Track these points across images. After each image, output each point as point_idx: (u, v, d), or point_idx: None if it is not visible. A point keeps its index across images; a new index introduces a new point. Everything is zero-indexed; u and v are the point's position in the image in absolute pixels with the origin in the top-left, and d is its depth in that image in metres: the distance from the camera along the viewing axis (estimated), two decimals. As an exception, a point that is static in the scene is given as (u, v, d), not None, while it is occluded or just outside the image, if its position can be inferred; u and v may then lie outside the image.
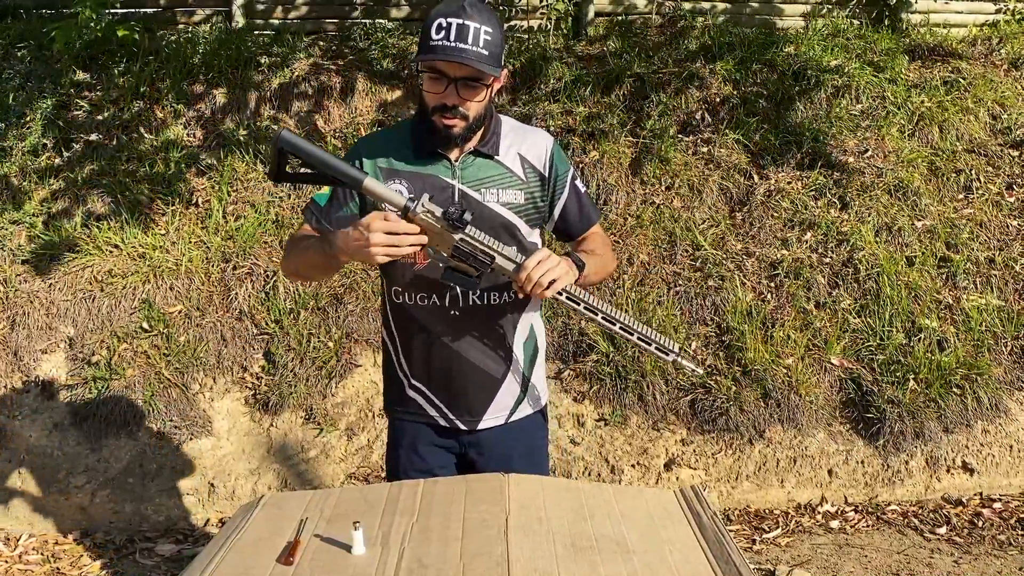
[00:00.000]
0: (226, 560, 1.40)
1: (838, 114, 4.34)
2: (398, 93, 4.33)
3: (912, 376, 3.54)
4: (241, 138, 4.02)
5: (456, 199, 1.74)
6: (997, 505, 3.44)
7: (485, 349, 1.82)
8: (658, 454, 3.45)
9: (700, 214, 3.96)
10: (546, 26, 4.72)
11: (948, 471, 3.50)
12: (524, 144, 1.83)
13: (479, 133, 1.76)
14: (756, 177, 4.08)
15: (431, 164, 1.76)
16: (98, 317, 3.48)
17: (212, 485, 3.32)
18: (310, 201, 1.83)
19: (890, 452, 3.46)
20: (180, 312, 3.54)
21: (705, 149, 4.18)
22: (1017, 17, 5.17)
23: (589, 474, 3.41)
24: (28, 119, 3.96)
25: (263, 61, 4.29)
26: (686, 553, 1.41)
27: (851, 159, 4.16)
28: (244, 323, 3.55)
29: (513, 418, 1.89)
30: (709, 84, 4.42)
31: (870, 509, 3.42)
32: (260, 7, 4.70)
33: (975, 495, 3.50)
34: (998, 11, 5.22)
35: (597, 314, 1.68)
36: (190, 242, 3.70)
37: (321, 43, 4.62)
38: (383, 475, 3.23)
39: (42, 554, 3.11)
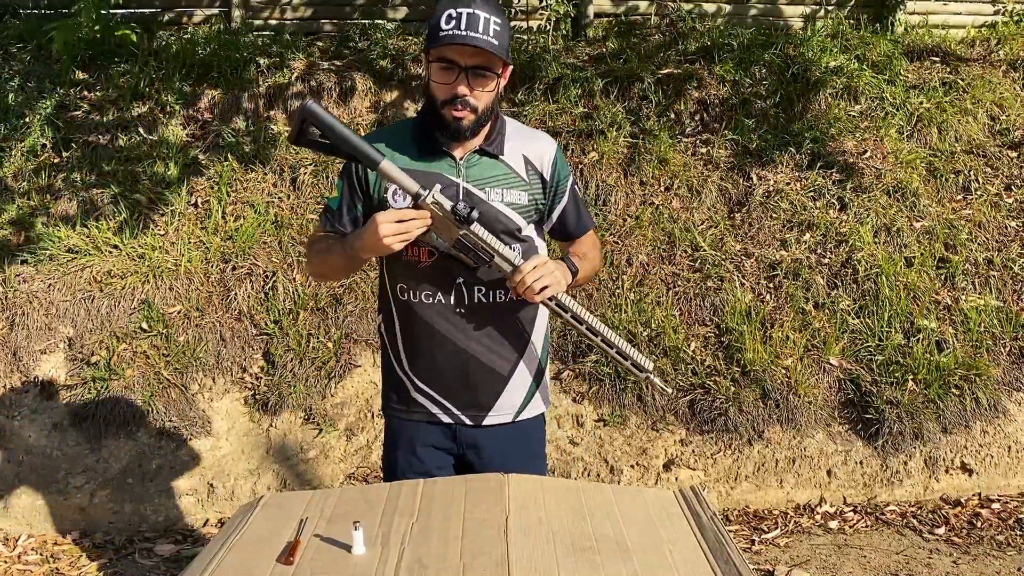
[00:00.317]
0: (226, 560, 1.40)
1: (837, 115, 4.35)
2: (396, 94, 4.33)
3: (911, 377, 3.54)
4: (240, 139, 4.02)
5: (461, 197, 1.75)
6: (996, 505, 3.45)
7: (491, 346, 1.83)
8: (657, 454, 3.46)
9: (699, 215, 3.96)
10: (545, 27, 4.73)
11: (947, 471, 3.51)
12: (528, 146, 1.84)
13: (484, 131, 1.77)
14: (755, 178, 4.09)
15: (435, 162, 1.77)
16: (97, 317, 3.48)
17: (211, 485, 3.32)
18: (324, 206, 1.89)
19: (889, 452, 3.46)
20: (179, 312, 3.54)
21: (704, 150, 4.19)
22: (1015, 18, 5.18)
23: (588, 474, 3.41)
24: (27, 119, 3.96)
25: (262, 62, 4.30)
26: (686, 553, 1.41)
27: (850, 160, 4.17)
28: (243, 323, 3.55)
29: (521, 417, 1.90)
30: (708, 85, 4.43)
31: (869, 509, 3.42)
32: (258, 8, 4.70)
33: (974, 495, 3.51)
34: (996, 12, 5.23)
35: (582, 324, 1.78)
36: (189, 242, 3.70)
37: (319, 44, 4.62)
38: (382, 475, 3.23)
39: (41, 554, 3.11)
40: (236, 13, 4.61)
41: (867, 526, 3.32)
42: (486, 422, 1.87)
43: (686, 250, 3.85)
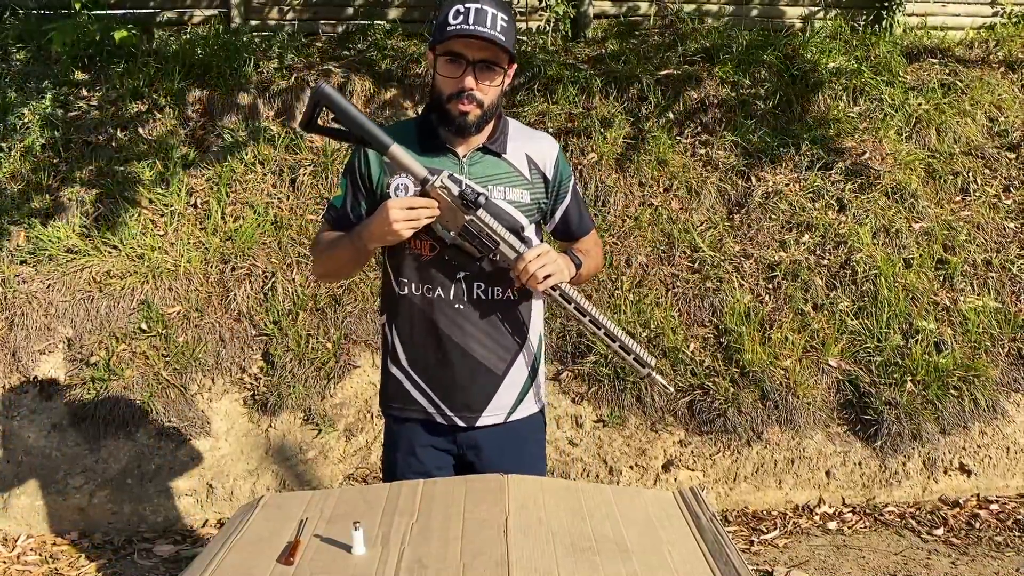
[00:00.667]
0: (227, 560, 1.40)
1: (836, 116, 4.35)
2: (395, 94, 4.33)
3: (909, 378, 3.55)
4: (240, 139, 4.02)
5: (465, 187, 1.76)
6: (994, 506, 3.45)
7: (487, 344, 1.83)
8: (656, 455, 3.46)
9: (698, 216, 3.97)
10: (545, 27, 4.73)
11: (945, 472, 3.51)
12: (531, 145, 1.86)
13: (488, 129, 1.78)
14: (754, 179, 4.09)
15: (439, 159, 1.78)
16: (97, 318, 3.48)
17: (210, 486, 3.32)
18: (328, 204, 1.90)
19: (888, 453, 3.47)
20: (179, 313, 3.54)
21: (703, 151, 4.19)
22: (1014, 20, 5.19)
23: (587, 475, 3.41)
24: (27, 119, 3.96)
25: (261, 62, 4.30)
26: (685, 554, 1.41)
27: (849, 161, 4.18)
28: (243, 324, 3.55)
29: (513, 417, 1.90)
30: (707, 86, 4.43)
31: (868, 510, 3.42)
32: (257, 8, 4.70)
33: (972, 496, 3.51)
34: (995, 14, 5.24)
35: (585, 316, 1.77)
36: (189, 243, 3.70)
37: (319, 44, 4.62)
38: (381, 476, 3.23)
39: (40, 555, 3.11)
40: (235, 13, 4.61)
41: (866, 527, 3.33)
42: (479, 423, 1.87)
43: (685, 251, 3.85)
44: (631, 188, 4.03)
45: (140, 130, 4.00)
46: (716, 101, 4.38)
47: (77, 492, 3.27)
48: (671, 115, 4.32)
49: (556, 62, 4.44)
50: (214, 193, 3.85)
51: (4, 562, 3.05)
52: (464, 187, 1.69)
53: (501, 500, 1.52)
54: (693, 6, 4.95)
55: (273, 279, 3.63)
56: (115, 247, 3.65)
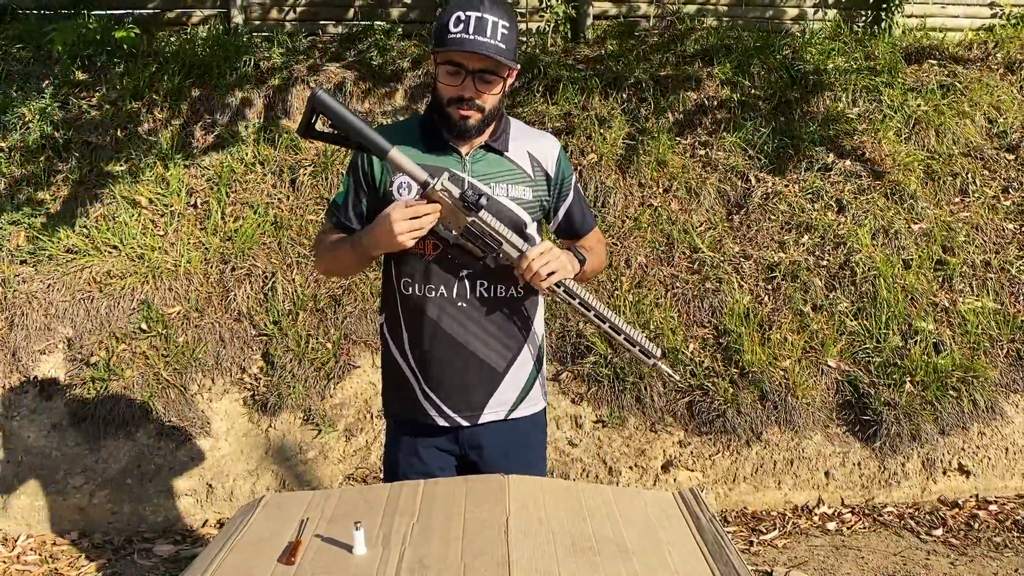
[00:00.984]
0: (227, 560, 1.40)
1: (835, 117, 4.36)
2: (397, 94, 4.34)
3: (908, 378, 3.55)
4: (240, 139, 4.03)
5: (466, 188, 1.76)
6: (993, 507, 3.46)
7: (489, 342, 1.84)
8: (656, 456, 3.46)
9: (698, 216, 3.97)
10: (545, 28, 4.74)
11: (944, 473, 3.52)
12: (533, 144, 1.87)
13: (490, 129, 1.79)
14: (753, 180, 4.10)
15: (442, 156, 1.79)
16: (97, 318, 3.49)
17: (210, 486, 3.33)
18: (331, 203, 1.90)
19: (887, 454, 3.47)
20: (179, 313, 3.54)
21: (703, 152, 4.20)
22: (1012, 21, 5.20)
23: (587, 475, 3.42)
24: (27, 119, 3.96)
25: (262, 63, 4.30)
26: (685, 555, 1.42)
27: (848, 162, 4.18)
28: (243, 324, 3.56)
29: (515, 415, 1.90)
30: (707, 87, 4.44)
31: (867, 511, 3.43)
32: (258, 8, 4.71)
33: (971, 497, 3.52)
34: (994, 15, 5.25)
35: (590, 311, 1.78)
36: (189, 243, 3.70)
37: (319, 44, 4.62)
38: (381, 476, 3.23)
39: (40, 555, 3.11)
40: (236, 13, 4.61)
41: (865, 527, 3.33)
42: (481, 420, 1.88)
43: (685, 252, 3.86)
44: (631, 189, 4.03)
45: (140, 130, 4.00)
46: (716, 102, 4.38)
47: (77, 492, 3.27)
48: (670, 116, 4.32)
49: (556, 63, 4.45)
50: (214, 193, 3.85)
51: (4, 562, 3.05)
52: (466, 188, 1.69)
53: (502, 500, 1.52)
54: (693, 7, 4.95)
55: (273, 279, 3.64)
56: (115, 247, 3.65)
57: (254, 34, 4.58)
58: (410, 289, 1.84)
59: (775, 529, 3.32)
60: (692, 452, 3.46)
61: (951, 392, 3.55)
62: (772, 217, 3.97)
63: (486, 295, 1.82)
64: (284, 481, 3.36)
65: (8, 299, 3.49)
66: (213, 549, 1.47)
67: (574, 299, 1.76)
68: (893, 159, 4.22)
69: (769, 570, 3.00)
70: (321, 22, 4.79)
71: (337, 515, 1.52)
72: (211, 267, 3.66)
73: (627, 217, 3.95)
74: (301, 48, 4.52)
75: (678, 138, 4.25)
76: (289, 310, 3.59)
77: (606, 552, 1.39)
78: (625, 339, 1.80)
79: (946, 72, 4.67)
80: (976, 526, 3.33)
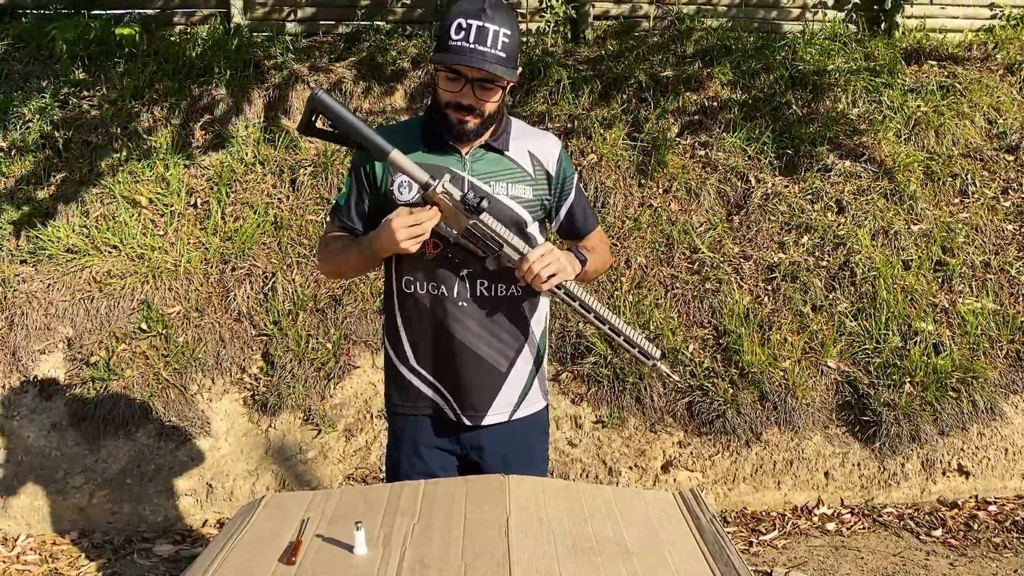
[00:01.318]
0: (228, 560, 1.40)
1: (835, 118, 4.36)
2: (397, 94, 4.34)
3: (908, 379, 3.55)
4: (240, 139, 4.03)
5: (467, 190, 1.77)
6: (992, 508, 3.46)
7: (491, 342, 1.84)
8: (655, 456, 3.46)
9: (698, 217, 3.97)
10: (546, 29, 4.74)
11: (944, 474, 3.52)
12: (533, 143, 1.88)
13: (491, 129, 1.79)
14: (753, 180, 4.10)
15: (442, 156, 1.80)
16: (97, 318, 3.49)
17: (210, 486, 3.33)
18: (333, 205, 1.91)
19: (886, 455, 3.47)
20: (179, 313, 3.54)
21: (703, 152, 4.20)
22: (1012, 22, 5.20)
23: (587, 476, 3.42)
24: (27, 119, 3.96)
25: (262, 62, 4.30)
26: (685, 554, 1.42)
27: (848, 163, 4.18)
28: (243, 324, 3.56)
29: (517, 415, 1.91)
30: (707, 87, 4.44)
31: (866, 511, 3.43)
32: (259, 8, 4.71)
33: (970, 498, 3.52)
34: (993, 16, 5.26)
35: (590, 312, 1.79)
36: (189, 243, 3.70)
37: (320, 44, 4.62)
38: (382, 476, 3.23)
39: (40, 554, 3.11)
40: (236, 13, 4.61)
41: (864, 528, 3.34)
42: (484, 422, 1.88)
43: (684, 252, 3.86)
44: (631, 189, 4.03)
45: (140, 129, 4.00)
46: (716, 103, 4.39)
47: (77, 492, 3.27)
48: (670, 117, 4.32)
49: (557, 64, 4.45)
50: (214, 193, 3.85)
51: (4, 562, 3.05)
52: (466, 191, 1.69)
53: (502, 501, 1.52)
54: (693, 7, 4.96)
55: (273, 279, 3.64)
56: (115, 247, 3.65)
57: (254, 34, 4.58)
58: (411, 288, 1.84)
59: (775, 529, 3.32)
60: (692, 452, 3.46)
61: (951, 393, 3.56)
62: (772, 218, 3.98)
63: (486, 294, 1.82)
64: (284, 481, 3.36)
65: (8, 299, 3.49)
66: (214, 549, 1.47)
67: (574, 301, 1.77)
68: (893, 160, 4.22)
69: (769, 570, 3.00)
70: (321, 22, 4.79)
71: (338, 515, 1.52)
72: (211, 267, 3.66)
73: (627, 217, 3.95)
74: (301, 48, 4.52)
75: (678, 138, 4.25)
76: (289, 310, 3.59)
77: (607, 552, 1.39)
78: (625, 340, 1.81)
79: (946, 73, 4.68)
80: (975, 527, 3.33)
